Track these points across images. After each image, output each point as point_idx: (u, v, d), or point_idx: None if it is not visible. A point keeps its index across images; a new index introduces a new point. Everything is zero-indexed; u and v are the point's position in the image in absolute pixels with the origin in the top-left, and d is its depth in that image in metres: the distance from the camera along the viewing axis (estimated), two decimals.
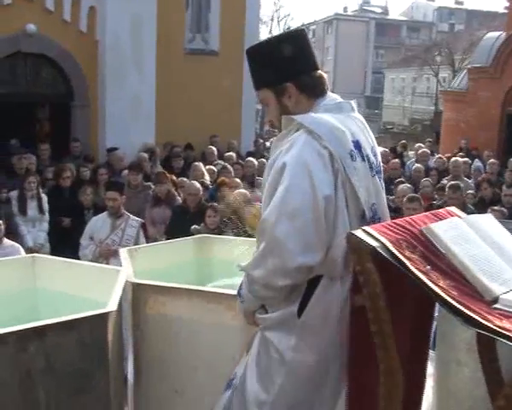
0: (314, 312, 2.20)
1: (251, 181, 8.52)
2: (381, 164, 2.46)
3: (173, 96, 11.65)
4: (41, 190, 7.39)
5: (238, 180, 7.74)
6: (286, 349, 2.24)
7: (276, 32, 43.61)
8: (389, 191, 6.72)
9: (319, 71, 2.37)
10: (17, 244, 5.50)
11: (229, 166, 9.09)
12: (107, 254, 5.54)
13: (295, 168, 2.09)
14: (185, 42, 12.71)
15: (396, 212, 6.37)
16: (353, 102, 2.40)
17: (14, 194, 7.27)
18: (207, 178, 8.54)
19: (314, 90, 2.33)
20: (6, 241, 5.35)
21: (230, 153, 10.75)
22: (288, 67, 2.30)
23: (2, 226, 5.35)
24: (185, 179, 8.07)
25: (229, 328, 2.94)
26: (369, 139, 2.37)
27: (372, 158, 2.33)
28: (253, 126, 14.75)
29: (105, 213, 5.85)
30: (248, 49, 2.41)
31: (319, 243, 2.10)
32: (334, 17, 58.79)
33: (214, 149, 10.89)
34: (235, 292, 2.47)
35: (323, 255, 2.12)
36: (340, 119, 2.24)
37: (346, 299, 2.17)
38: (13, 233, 6.43)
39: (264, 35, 23.15)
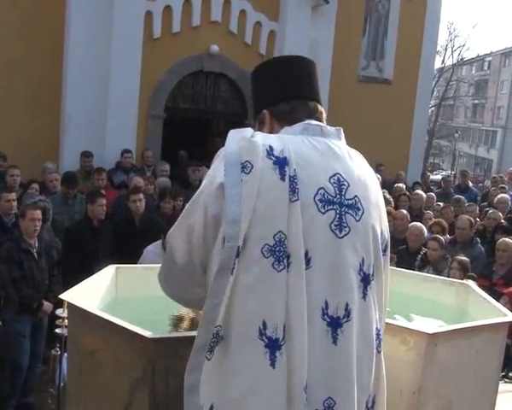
0: None
1: (417, 214, 8.31)
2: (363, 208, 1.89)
3: (343, 122, 11.62)
4: None
5: (405, 212, 7.57)
6: None
7: (450, 62, 42.34)
8: None
9: (311, 102, 2.06)
10: None
11: (388, 197, 8.84)
12: None
13: None
14: (359, 69, 12.78)
15: None
16: (335, 129, 2.02)
17: None
18: None
19: (290, 116, 2.02)
20: None
21: (400, 184, 10.53)
22: (264, 93, 2.16)
23: None
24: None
25: (401, 362, 2.87)
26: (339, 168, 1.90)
27: (328, 187, 1.85)
28: (422, 159, 14.42)
29: None
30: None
31: None
32: None
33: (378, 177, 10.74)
34: (411, 326, 2.39)
35: None
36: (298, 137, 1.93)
37: None
38: None
39: (436, 65, 22.50)
